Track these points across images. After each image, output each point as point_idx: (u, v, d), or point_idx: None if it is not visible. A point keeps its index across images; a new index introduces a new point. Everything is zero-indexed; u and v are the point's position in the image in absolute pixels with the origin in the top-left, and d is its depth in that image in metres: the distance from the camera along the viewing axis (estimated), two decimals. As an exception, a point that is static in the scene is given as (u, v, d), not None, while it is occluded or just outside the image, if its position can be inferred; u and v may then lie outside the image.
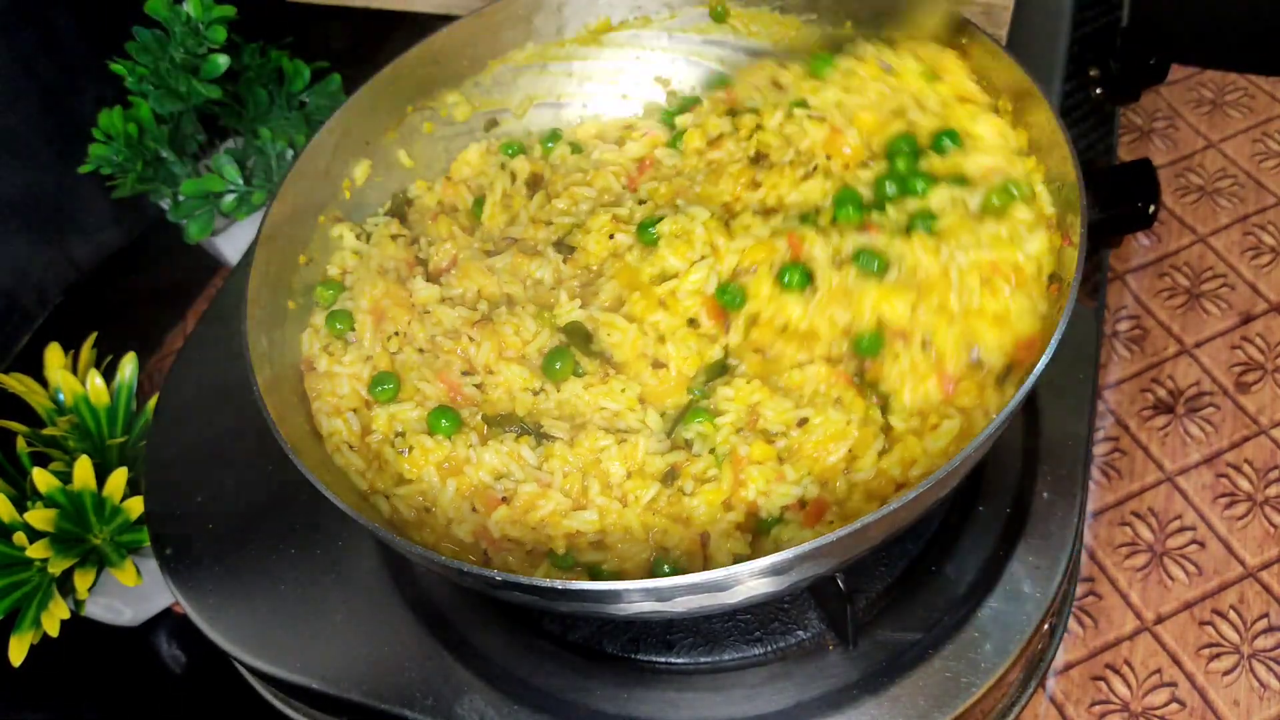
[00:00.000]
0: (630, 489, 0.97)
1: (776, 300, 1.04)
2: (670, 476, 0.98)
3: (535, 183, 1.30)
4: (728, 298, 1.06)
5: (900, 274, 1.01)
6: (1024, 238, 1.02)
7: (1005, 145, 1.08)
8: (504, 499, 0.99)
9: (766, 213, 1.13)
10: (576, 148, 1.32)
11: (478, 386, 1.07)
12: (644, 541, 0.96)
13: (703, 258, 1.09)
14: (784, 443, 0.98)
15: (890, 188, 1.07)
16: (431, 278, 1.19)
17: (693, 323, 1.09)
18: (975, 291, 0.99)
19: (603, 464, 0.98)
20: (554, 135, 1.33)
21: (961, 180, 1.07)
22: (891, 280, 1.01)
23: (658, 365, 1.07)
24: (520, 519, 0.97)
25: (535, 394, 1.06)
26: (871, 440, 0.97)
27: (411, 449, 1.02)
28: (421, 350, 1.10)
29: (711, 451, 0.99)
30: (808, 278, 1.03)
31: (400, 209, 1.29)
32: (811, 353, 1.03)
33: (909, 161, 1.08)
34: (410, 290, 1.15)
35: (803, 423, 0.98)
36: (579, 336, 1.10)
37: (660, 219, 1.13)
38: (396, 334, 1.11)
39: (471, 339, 1.09)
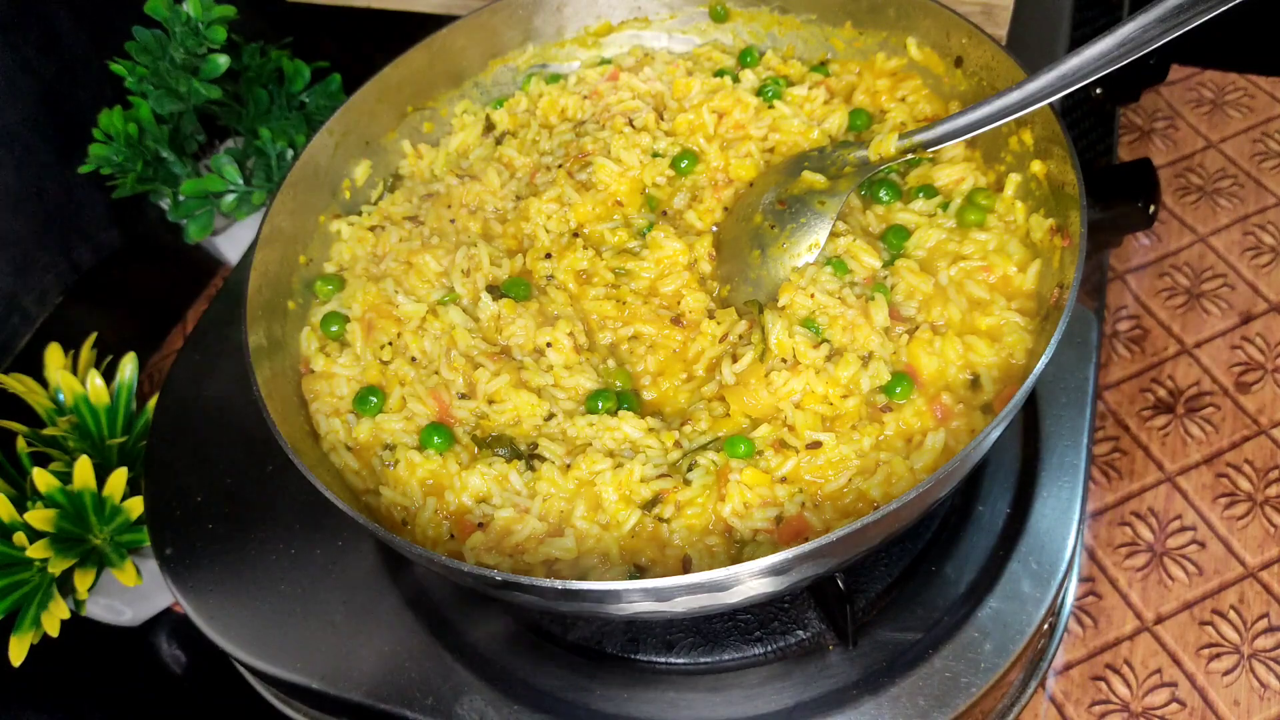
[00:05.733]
0: (615, 512, 0.96)
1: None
2: (651, 504, 0.96)
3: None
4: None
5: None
6: (1009, 252, 1.04)
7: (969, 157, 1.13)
8: (480, 525, 0.97)
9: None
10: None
11: (473, 412, 1.05)
12: (622, 566, 0.94)
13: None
14: (792, 463, 0.95)
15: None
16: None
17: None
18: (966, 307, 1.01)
19: (596, 486, 0.96)
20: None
21: (932, 191, 1.10)
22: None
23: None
24: (496, 545, 0.96)
25: (547, 419, 1.04)
26: (874, 467, 0.95)
27: (398, 463, 1.01)
28: (414, 359, 1.09)
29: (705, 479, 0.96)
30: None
31: (392, 188, 1.28)
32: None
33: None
34: (397, 304, 1.12)
35: (814, 445, 0.96)
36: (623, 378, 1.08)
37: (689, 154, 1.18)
38: (389, 344, 1.10)
39: (484, 367, 1.05)
